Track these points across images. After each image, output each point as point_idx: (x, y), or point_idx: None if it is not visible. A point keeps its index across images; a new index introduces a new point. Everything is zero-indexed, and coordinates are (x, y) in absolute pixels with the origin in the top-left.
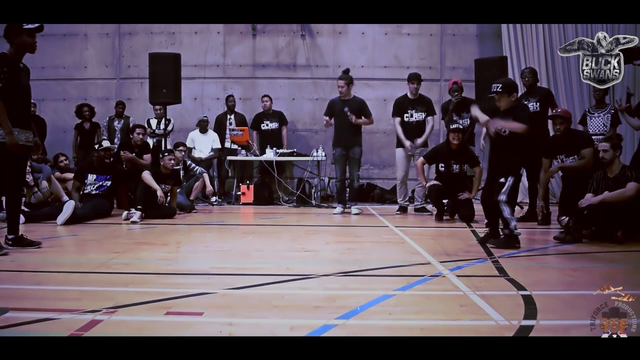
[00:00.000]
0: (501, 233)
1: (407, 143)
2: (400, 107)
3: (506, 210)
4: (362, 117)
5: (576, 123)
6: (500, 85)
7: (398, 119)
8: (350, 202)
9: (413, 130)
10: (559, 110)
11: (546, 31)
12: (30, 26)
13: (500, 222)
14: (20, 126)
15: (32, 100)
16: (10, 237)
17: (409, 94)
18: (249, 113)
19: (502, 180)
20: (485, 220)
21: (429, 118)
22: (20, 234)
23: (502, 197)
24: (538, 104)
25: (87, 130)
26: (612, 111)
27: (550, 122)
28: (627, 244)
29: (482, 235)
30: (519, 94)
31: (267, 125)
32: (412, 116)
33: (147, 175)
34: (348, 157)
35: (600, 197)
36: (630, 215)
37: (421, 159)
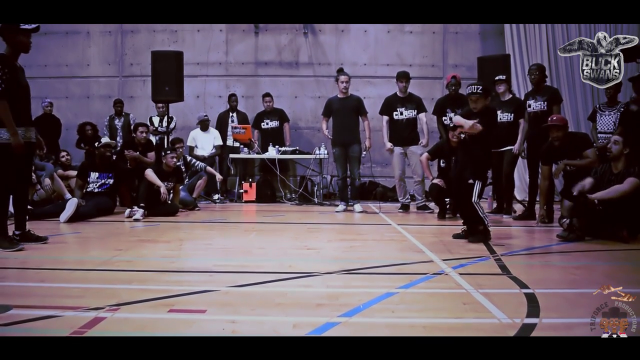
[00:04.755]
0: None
1: (388, 145)
2: (390, 105)
3: (480, 210)
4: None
5: (585, 119)
6: (481, 88)
7: (386, 118)
8: (352, 200)
9: (403, 127)
10: (554, 118)
11: (549, 29)
12: (27, 27)
13: (476, 220)
14: (23, 124)
15: (47, 100)
16: (17, 232)
17: (398, 93)
18: (252, 111)
19: (471, 181)
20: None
21: (421, 115)
22: (27, 229)
23: (475, 199)
24: (545, 103)
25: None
26: (623, 109)
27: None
28: (632, 243)
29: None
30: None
31: (267, 123)
32: (401, 114)
33: (150, 173)
34: (348, 155)
35: (598, 195)
36: (635, 214)
37: (426, 154)
